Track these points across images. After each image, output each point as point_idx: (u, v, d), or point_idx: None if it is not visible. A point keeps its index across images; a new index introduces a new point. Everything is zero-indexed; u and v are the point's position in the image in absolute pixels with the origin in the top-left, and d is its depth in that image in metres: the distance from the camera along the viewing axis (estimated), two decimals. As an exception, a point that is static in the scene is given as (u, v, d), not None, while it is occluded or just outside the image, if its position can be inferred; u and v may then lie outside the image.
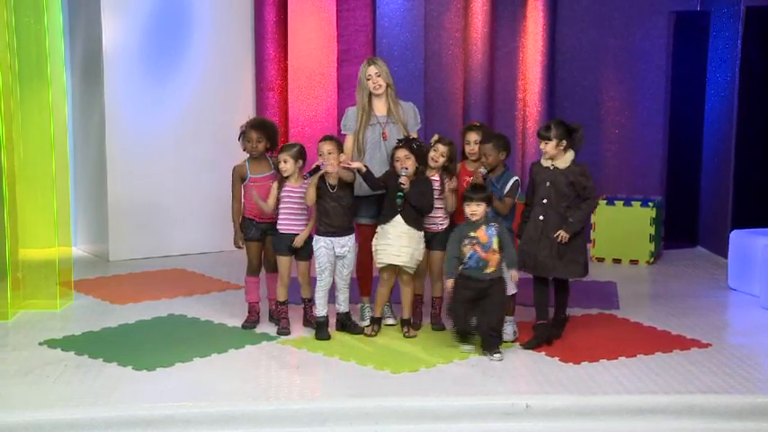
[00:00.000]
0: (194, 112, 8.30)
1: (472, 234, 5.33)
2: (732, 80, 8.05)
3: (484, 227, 5.33)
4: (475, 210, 5.32)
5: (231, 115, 8.36)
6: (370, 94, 5.86)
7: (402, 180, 5.53)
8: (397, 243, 5.59)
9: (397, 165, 5.58)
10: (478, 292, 5.33)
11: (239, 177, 5.86)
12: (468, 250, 5.34)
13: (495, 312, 5.32)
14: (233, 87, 8.49)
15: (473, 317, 5.34)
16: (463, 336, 5.48)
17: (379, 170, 5.78)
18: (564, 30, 8.77)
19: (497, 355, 5.29)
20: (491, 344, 5.33)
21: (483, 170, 5.57)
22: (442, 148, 5.72)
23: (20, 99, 6.27)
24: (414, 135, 5.86)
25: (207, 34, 8.32)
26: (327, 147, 5.57)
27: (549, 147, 5.51)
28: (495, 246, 5.32)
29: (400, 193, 5.52)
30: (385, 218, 5.64)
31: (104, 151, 7.99)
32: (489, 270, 5.32)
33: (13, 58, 6.19)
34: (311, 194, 5.57)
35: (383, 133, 5.85)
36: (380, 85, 5.83)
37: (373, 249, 5.71)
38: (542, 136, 5.55)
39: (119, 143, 8.00)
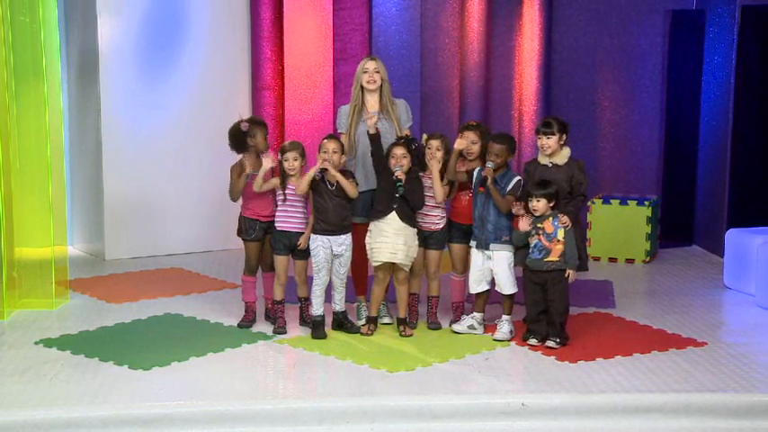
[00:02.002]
0: (191, 110, 8.29)
1: (539, 225, 5.47)
2: (728, 79, 8.06)
3: (551, 218, 5.46)
4: (536, 206, 5.45)
5: (228, 114, 8.33)
6: (363, 91, 5.87)
7: (398, 174, 5.55)
8: (393, 241, 5.60)
9: (392, 161, 5.59)
10: (543, 283, 5.48)
11: (237, 173, 5.83)
12: (533, 240, 5.50)
13: (558, 301, 5.47)
14: (229, 86, 8.48)
15: (542, 309, 5.50)
16: (530, 328, 5.57)
17: (371, 166, 5.80)
18: (560, 28, 8.78)
19: (551, 342, 5.44)
20: (550, 332, 5.48)
21: (491, 164, 5.58)
22: (435, 142, 5.74)
23: (15, 95, 6.25)
24: (406, 132, 5.88)
25: (203, 33, 8.31)
26: (332, 145, 5.58)
27: (552, 141, 5.59)
28: (559, 236, 5.45)
29: (400, 184, 5.53)
30: (379, 214, 5.65)
31: (100, 150, 7.98)
32: (551, 259, 5.45)
33: (8, 55, 6.18)
34: (304, 186, 5.59)
35: (375, 128, 5.85)
36: (375, 81, 5.83)
37: (368, 248, 5.71)
38: (544, 131, 5.61)
39: (114, 142, 7.99)
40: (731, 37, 7.99)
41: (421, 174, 5.75)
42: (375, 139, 5.64)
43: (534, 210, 5.47)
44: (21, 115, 6.29)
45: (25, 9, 6.21)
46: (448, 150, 5.73)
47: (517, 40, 8.75)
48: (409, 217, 5.65)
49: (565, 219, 5.46)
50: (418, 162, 5.69)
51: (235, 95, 8.49)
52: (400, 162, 5.57)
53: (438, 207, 5.78)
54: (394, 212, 5.61)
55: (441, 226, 5.81)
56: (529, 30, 8.67)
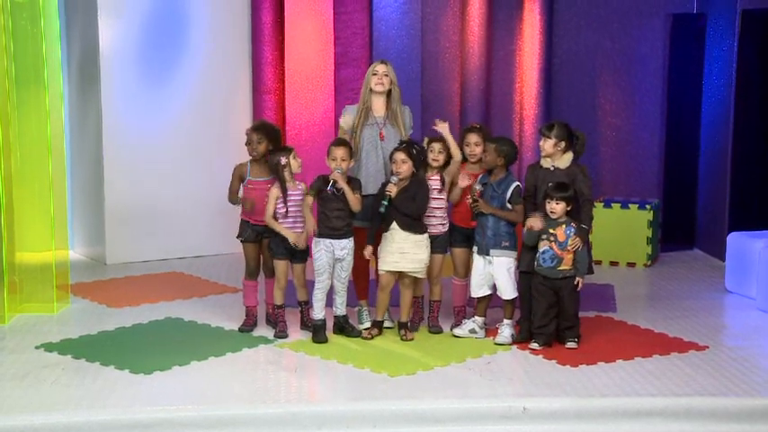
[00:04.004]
0: (191, 114, 8.29)
1: (551, 231, 5.46)
2: (729, 82, 8.06)
3: (564, 225, 5.45)
4: (554, 208, 5.45)
5: (228, 118, 8.38)
6: (371, 93, 5.87)
7: (388, 188, 5.55)
8: (397, 250, 5.61)
9: (393, 167, 5.60)
10: (555, 290, 5.49)
11: (239, 176, 5.87)
12: (543, 245, 5.48)
13: (571, 307, 5.51)
14: (230, 90, 8.48)
15: (554, 317, 5.51)
16: (536, 332, 5.55)
17: (375, 170, 5.83)
18: (561, 32, 8.78)
19: (570, 343, 5.49)
20: (567, 335, 5.52)
21: (478, 187, 5.60)
22: (437, 146, 5.74)
23: (16, 102, 6.26)
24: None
25: (204, 37, 8.31)
26: (341, 152, 5.58)
27: (548, 144, 5.60)
28: (570, 246, 5.45)
29: (384, 201, 5.54)
30: (386, 225, 5.66)
31: (101, 154, 7.98)
32: (563, 267, 5.46)
33: (9, 62, 6.19)
34: (309, 201, 5.63)
35: (380, 134, 5.86)
36: (383, 84, 5.83)
37: (379, 256, 5.72)
38: (542, 132, 5.63)
39: (116, 146, 7.99)
40: (731, 41, 7.99)
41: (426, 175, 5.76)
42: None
43: (552, 212, 5.47)
44: (22, 119, 6.29)
45: (26, 16, 6.22)
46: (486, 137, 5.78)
47: (518, 44, 8.75)
48: (411, 225, 5.63)
49: (577, 241, 5.45)
50: (421, 165, 5.68)
51: (236, 100, 8.50)
52: (400, 168, 5.57)
53: (440, 209, 5.78)
54: (394, 223, 5.62)
55: (443, 230, 5.81)
56: (529, 33, 8.67)
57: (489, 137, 5.81)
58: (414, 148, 5.63)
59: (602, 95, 8.83)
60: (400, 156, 5.59)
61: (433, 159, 5.74)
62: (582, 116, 8.63)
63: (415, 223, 5.64)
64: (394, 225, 5.61)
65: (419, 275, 5.70)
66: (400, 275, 5.69)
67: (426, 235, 5.68)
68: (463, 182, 5.69)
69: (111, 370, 5.12)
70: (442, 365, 5.23)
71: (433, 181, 5.77)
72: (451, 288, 6.01)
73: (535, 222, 5.49)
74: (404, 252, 5.61)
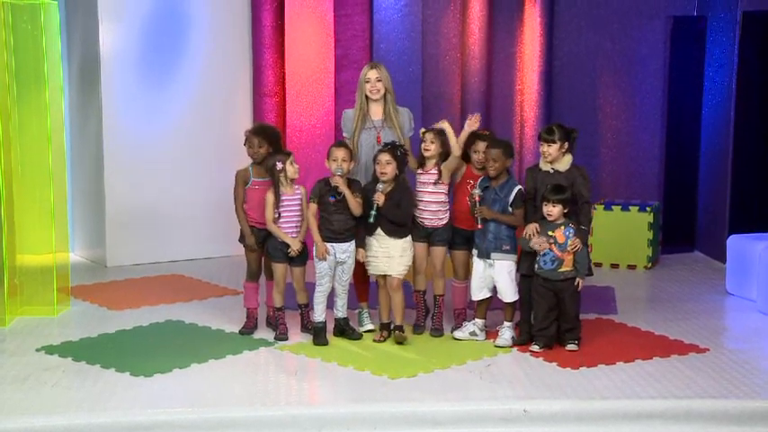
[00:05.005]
0: (192, 117, 8.30)
1: (550, 233, 5.46)
2: (729, 84, 8.07)
3: (562, 227, 5.45)
4: (551, 210, 5.44)
5: (229, 121, 8.38)
6: (367, 98, 5.87)
7: (376, 197, 5.56)
8: (380, 254, 5.66)
9: (377, 168, 5.60)
10: (556, 292, 5.48)
11: (242, 181, 5.86)
12: (543, 248, 5.44)
13: (572, 309, 5.51)
14: (231, 93, 8.49)
15: (554, 319, 5.51)
16: (536, 334, 5.55)
17: (373, 174, 5.80)
18: (561, 35, 8.78)
19: (571, 345, 5.49)
20: (567, 337, 5.52)
21: (477, 191, 5.59)
22: (429, 135, 5.74)
23: (17, 102, 6.26)
24: (405, 141, 5.86)
25: (204, 40, 8.32)
26: (342, 153, 5.59)
27: (553, 149, 5.58)
28: (570, 247, 5.45)
29: (373, 212, 5.55)
30: (369, 231, 5.68)
31: (102, 157, 7.99)
32: (564, 269, 5.46)
33: (10, 60, 6.19)
34: (313, 209, 5.63)
35: (378, 138, 5.86)
36: (378, 90, 5.83)
37: (366, 260, 5.74)
38: (545, 138, 5.60)
39: (116, 149, 7.99)
40: (732, 43, 8.00)
41: (420, 171, 5.77)
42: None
43: (549, 215, 5.46)
44: (22, 122, 6.30)
45: (27, 15, 6.23)
46: (443, 143, 5.74)
47: (518, 46, 8.76)
48: (395, 231, 5.64)
49: (577, 242, 5.44)
50: (405, 167, 5.67)
51: (236, 102, 8.51)
52: (384, 170, 5.56)
53: (436, 203, 5.76)
54: (378, 228, 5.64)
55: (444, 222, 5.80)
56: (530, 35, 8.68)
57: (497, 142, 5.77)
58: (398, 151, 5.62)
59: (602, 97, 8.83)
60: (384, 157, 5.59)
61: (425, 149, 5.73)
62: (582, 118, 8.63)
63: (399, 229, 5.65)
64: (377, 231, 5.64)
65: (400, 276, 5.68)
66: (387, 278, 5.70)
67: (409, 238, 5.69)
68: (473, 125, 5.68)
69: (112, 372, 5.13)
70: (442, 368, 5.23)
71: (431, 175, 5.76)
72: (451, 290, 6.01)
73: (540, 244, 5.46)
74: (388, 257, 5.64)
